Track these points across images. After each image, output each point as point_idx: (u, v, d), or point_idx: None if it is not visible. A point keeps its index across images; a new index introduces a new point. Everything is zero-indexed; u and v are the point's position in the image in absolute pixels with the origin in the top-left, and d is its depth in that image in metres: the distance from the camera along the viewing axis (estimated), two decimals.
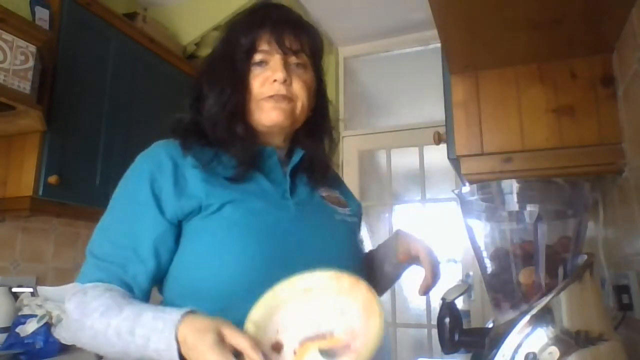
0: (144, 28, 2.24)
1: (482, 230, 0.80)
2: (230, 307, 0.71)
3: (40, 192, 1.69)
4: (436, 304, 2.22)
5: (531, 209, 0.73)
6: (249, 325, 0.62)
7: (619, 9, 0.90)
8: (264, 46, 0.82)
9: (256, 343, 0.58)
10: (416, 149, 2.90)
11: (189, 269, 0.75)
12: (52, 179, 1.70)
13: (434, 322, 1.13)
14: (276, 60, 0.81)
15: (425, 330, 2.74)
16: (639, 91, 0.90)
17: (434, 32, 1.02)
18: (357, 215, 0.94)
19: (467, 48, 1.06)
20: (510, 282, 0.72)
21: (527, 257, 0.71)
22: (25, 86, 1.56)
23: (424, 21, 2.77)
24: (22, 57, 1.55)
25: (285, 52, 0.82)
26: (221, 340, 0.58)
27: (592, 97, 1.05)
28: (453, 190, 0.84)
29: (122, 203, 0.78)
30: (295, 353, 0.60)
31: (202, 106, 0.83)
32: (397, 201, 3.00)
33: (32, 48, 1.58)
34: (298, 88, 0.82)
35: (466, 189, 0.81)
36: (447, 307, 0.80)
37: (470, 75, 1.16)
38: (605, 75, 1.05)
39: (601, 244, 1.11)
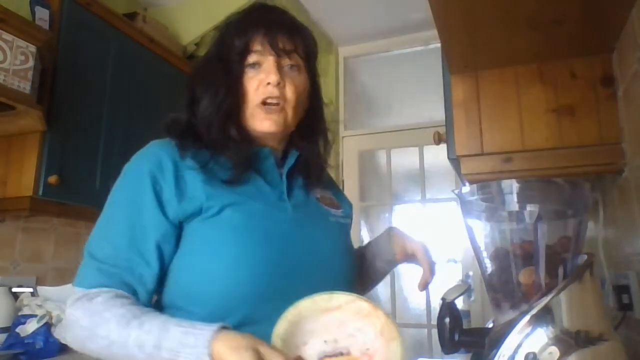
0: (144, 28, 2.24)
1: (482, 230, 0.80)
2: (230, 309, 0.72)
3: (40, 192, 1.69)
4: (436, 304, 2.22)
5: (531, 209, 0.73)
6: (277, 339, 0.64)
7: (619, 9, 0.90)
8: (257, 47, 0.81)
9: None
10: (416, 149, 2.90)
11: (188, 271, 0.75)
12: (52, 179, 1.70)
13: (434, 322, 1.14)
14: (269, 62, 0.81)
15: (425, 330, 2.74)
16: (639, 91, 0.90)
17: (434, 32, 1.02)
18: (350, 216, 0.96)
19: (467, 48, 1.06)
20: (510, 282, 0.72)
21: (527, 257, 0.71)
22: (25, 86, 1.56)
23: (424, 21, 2.77)
24: (22, 57, 1.55)
25: (279, 54, 0.81)
26: (259, 359, 0.58)
27: (592, 97, 1.05)
28: (453, 190, 0.84)
29: (123, 203, 0.76)
30: None
31: (196, 107, 0.83)
32: (397, 201, 3.00)
33: (32, 48, 1.58)
34: (291, 91, 0.82)
35: (466, 189, 0.81)
36: (447, 307, 0.80)
37: (470, 75, 1.16)
38: (605, 75, 1.05)
39: (601, 244, 1.11)
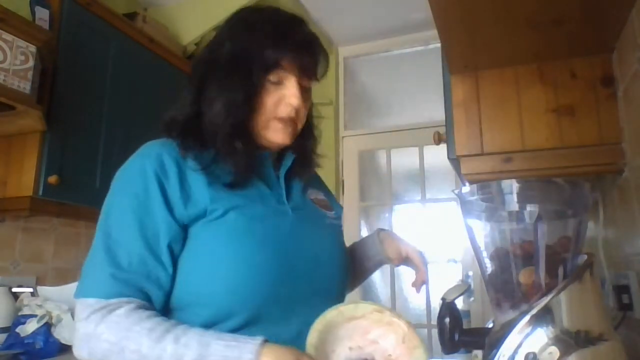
0: (144, 28, 2.24)
1: (482, 230, 0.80)
2: (234, 311, 0.72)
3: (40, 192, 1.69)
4: (436, 304, 2.22)
5: (531, 209, 0.73)
6: (311, 349, 0.67)
7: (619, 9, 0.90)
8: (285, 65, 0.80)
9: None
10: (416, 149, 2.90)
11: (193, 273, 0.74)
12: (52, 179, 1.70)
13: (434, 322, 1.14)
14: (292, 82, 0.81)
15: (425, 330, 2.73)
16: (639, 91, 0.90)
17: (434, 32, 1.02)
18: (341, 218, 0.98)
19: (467, 48, 1.06)
20: (510, 282, 0.72)
21: (527, 257, 0.71)
22: (25, 86, 1.56)
23: (424, 21, 2.77)
24: (22, 57, 1.55)
25: (302, 76, 0.82)
26: None
27: (592, 97, 1.05)
28: (453, 190, 0.84)
29: (130, 207, 0.73)
30: None
31: (205, 106, 0.81)
32: (397, 201, 3.00)
33: (32, 48, 1.58)
34: (303, 112, 0.85)
35: (466, 189, 0.81)
36: (447, 307, 0.80)
37: (470, 75, 1.16)
38: (605, 75, 1.05)
39: (601, 244, 1.11)
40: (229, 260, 0.72)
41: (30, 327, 1.56)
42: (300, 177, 0.90)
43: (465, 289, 0.84)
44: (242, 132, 0.80)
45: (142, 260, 0.71)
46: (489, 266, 0.77)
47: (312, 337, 0.67)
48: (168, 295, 0.74)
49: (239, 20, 0.85)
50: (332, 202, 0.99)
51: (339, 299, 0.87)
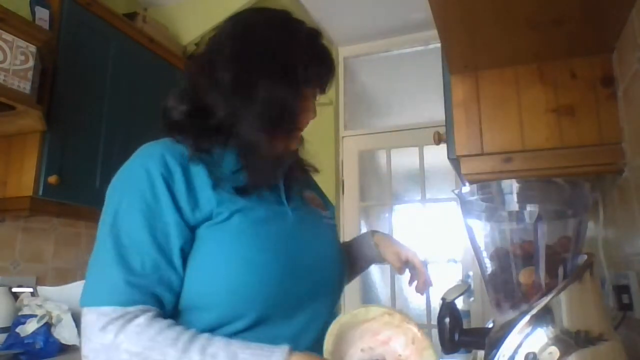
0: (144, 28, 2.24)
1: (482, 230, 0.80)
2: (239, 313, 0.72)
3: (40, 192, 1.69)
4: (436, 304, 2.22)
5: (531, 209, 0.73)
6: (328, 355, 0.68)
7: (619, 9, 0.90)
8: (314, 82, 0.86)
9: None
10: (416, 149, 2.90)
11: (198, 277, 0.73)
12: (52, 179, 1.70)
13: (434, 322, 1.13)
14: (315, 96, 0.88)
15: (425, 330, 2.73)
16: (639, 91, 0.90)
17: (434, 32, 1.02)
18: (334, 217, 1.00)
19: (467, 48, 1.06)
20: (510, 282, 0.72)
21: (527, 257, 0.71)
22: (25, 86, 1.56)
23: (424, 21, 2.77)
24: (22, 57, 1.55)
25: (320, 92, 0.89)
26: None
27: (592, 97, 1.05)
28: (453, 190, 0.84)
29: (139, 208, 0.70)
30: None
31: (241, 105, 0.78)
32: (397, 201, 3.00)
33: (32, 48, 1.58)
34: None
35: (466, 189, 0.81)
36: (447, 307, 0.80)
37: (470, 75, 1.16)
38: (605, 75, 1.05)
39: (601, 244, 1.11)
40: (235, 264, 0.72)
41: (30, 327, 1.56)
42: (297, 179, 0.90)
43: (465, 289, 0.84)
44: (277, 139, 0.82)
45: (155, 265, 0.69)
46: (489, 266, 0.77)
47: (328, 342, 0.69)
48: (178, 298, 0.72)
49: (279, 24, 0.85)
50: (325, 202, 1.00)
51: (338, 296, 0.89)
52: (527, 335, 0.64)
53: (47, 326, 1.58)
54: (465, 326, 0.79)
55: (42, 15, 1.73)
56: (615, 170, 1.02)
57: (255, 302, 0.72)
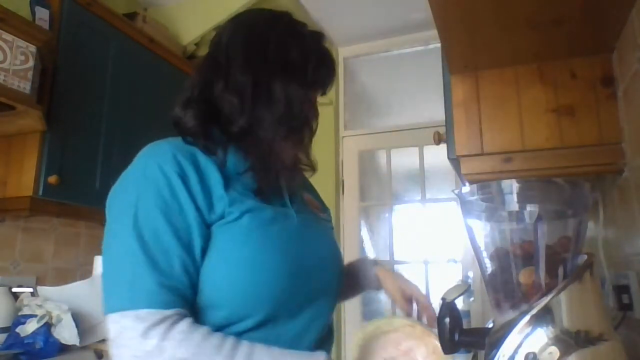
0: (144, 28, 2.24)
1: (482, 230, 0.80)
2: (248, 312, 0.72)
3: (40, 192, 1.69)
4: (436, 304, 2.21)
5: (531, 209, 0.72)
6: None
7: (619, 9, 0.90)
8: (322, 83, 0.90)
9: None
10: (416, 149, 2.90)
11: (208, 276, 0.72)
12: (52, 179, 1.70)
13: None
14: (316, 98, 0.90)
15: None
16: (639, 91, 0.90)
17: (434, 32, 1.02)
18: (331, 220, 1.01)
19: (467, 48, 1.06)
20: (510, 282, 0.72)
21: (527, 257, 0.71)
22: (25, 86, 1.56)
23: (424, 21, 2.77)
24: (22, 57, 1.55)
25: (322, 94, 0.92)
26: None
27: (592, 97, 1.05)
28: (453, 190, 0.84)
29: (159, 207, 0.68)
30: None
31: (260, 105, 0.79)
32: (397, 201, 3.00)
33: (32, 48, 1.59)
34: None
35: (466, 189, 0.81)
36: (447, 307, 0.80)
37: (470, 75, 1.16)
38: (605, 75, 1.05)
39: (601, 244, 1.11)
40: (245, 264, 0.72)
41: (30, 327, 1.56)
42: (297, 180, 0.91)
43: (465, 289, 0.84)
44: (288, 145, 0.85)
45: (184, 266, 0.68)
46: (489, 266, 0.77)
47: (355, 353, 0.72)
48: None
49: (286, 26, 0.86)
50: (321, 203, 1.01)
51: (337, 297, 0.90)
52: (527, 335, 0.64)
53: (47, 326, 1.58)
54: (465, 326, 0.79)
55: (42, 15, 1.73)
56: (615, 170, 1.02)
57: (264, 301, 0.73)
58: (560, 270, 0.70)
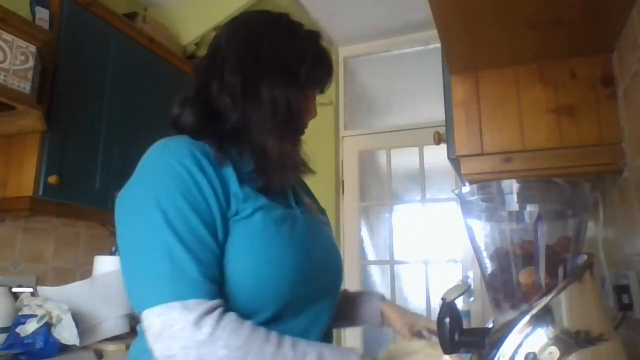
0: (144, 28, 2.24)
1: (482, 230, 0.80)
2: (257, 309, 0.73)
3: (40, 192, 1.69)
4: (436, 304, 2.22)
5: (531, 209, 0.72)
6: None
7: (619, 9, 0.90)
8: (319, 82, 0.90)
9: None
10: (416, 149, 2.90)
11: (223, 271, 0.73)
12: (52, 179, 1.70)
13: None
14: (315, 96, 0.90)
15: None
16: (639, 91, 0.90)
17: (434, 32, 1.02)
18: (329, 222, 1.02)
19: (467, 48, 1.06)
20: (510, 282, 0.72)
21: (527, 257, 0.71)
22: (25, 86, 1.56)
23: (424, 21, 2.77)
24: (22, 57, 1.55)
25: (320, 92, 0.92)
26: None
27: (592, 97, 1.05)
28: (453, 190, 0.84)
29: (187, 201, 0.69)
30: None
31: (251, 104, 0.80)
32: (397, 201, 3.00)
33: (32, 48, 1.59)
34: None
35: (466, 189, 0.81)
36: (447, 307, 0.80)
37: (470, 75, 1.16)
38: (605, 75, 1.05)
39: (601, 244, 1.11)
40: (256, 261, 0.73)
41: (30, 327, 1.56)
42: (293, 181, 0.91)
43: (465, 289, 0.84)
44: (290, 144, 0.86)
45: (216, 258, 0.69)
46: (489, 266, 0.77)
47: None
48: None
49: (281, 27, 0.87)
50: (318, 206, 1.02)
51: (338, 297, 0.91)
52: (527, 335, 0.64)
53: (47, 326, 1.58)
54: (465, 326, 0.79)
55: (42, 15, 1.73)
56: (615, 170, 1.02)
57: (274, 298, 0.74)
58: (560, 270, 0.70)
